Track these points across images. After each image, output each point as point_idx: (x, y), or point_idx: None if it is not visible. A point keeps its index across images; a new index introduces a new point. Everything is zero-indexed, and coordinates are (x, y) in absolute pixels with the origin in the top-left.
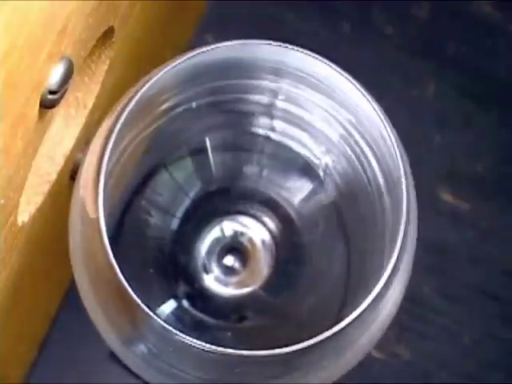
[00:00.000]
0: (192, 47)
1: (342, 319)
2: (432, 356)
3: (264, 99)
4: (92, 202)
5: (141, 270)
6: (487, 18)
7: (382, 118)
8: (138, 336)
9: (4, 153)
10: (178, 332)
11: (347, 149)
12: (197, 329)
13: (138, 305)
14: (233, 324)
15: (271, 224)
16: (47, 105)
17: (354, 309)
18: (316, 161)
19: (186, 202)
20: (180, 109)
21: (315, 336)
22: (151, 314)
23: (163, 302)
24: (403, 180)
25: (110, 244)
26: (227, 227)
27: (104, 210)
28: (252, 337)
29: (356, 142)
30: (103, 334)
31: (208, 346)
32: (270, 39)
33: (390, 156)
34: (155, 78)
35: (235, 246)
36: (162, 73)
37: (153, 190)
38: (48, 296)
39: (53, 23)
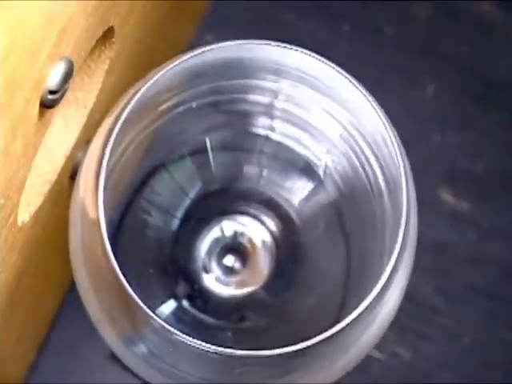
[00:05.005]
0: (192, 47)
1: (341, 319)
2: (432, 356)
3: (264, 99)
4: (92, 202)
5: (141, 270)
6: (487, 18)
7: (382, 117)
8: (138, 336)
9: (4, 153)
10: (178, 332)
11: (347, 149)
12: (197, 329)
13: (139, 305)
14: (233, 324)
15: (271, 224)
16: (47, 105)
17: (354, 309)
18: (316, 161)
19: (186, 202)
20: (180, 109)
21: (315, 336)
22: (151, 314)
23: (163, 302)
24: (403, 180)
25: (110, 244)
26: (227, 227)
27: (104, 210)
28: (252, 337)
29: (356, 142)
30: (103, 334)
31: (207, 345)
32: (269, 39)
33: (390, 156)
34: (155, 78)
35: (235, 246)
36: (162, 73)
37: (153, 190)
38: (48, 296)
39: (53, 23)
